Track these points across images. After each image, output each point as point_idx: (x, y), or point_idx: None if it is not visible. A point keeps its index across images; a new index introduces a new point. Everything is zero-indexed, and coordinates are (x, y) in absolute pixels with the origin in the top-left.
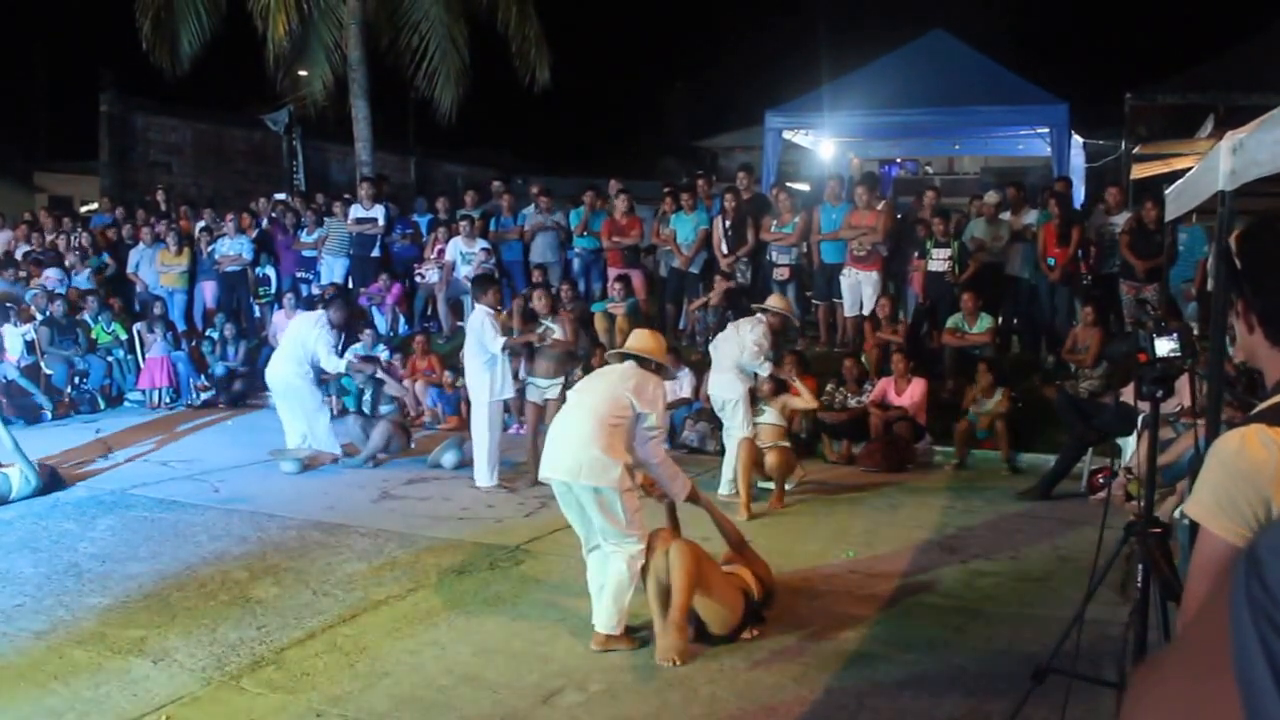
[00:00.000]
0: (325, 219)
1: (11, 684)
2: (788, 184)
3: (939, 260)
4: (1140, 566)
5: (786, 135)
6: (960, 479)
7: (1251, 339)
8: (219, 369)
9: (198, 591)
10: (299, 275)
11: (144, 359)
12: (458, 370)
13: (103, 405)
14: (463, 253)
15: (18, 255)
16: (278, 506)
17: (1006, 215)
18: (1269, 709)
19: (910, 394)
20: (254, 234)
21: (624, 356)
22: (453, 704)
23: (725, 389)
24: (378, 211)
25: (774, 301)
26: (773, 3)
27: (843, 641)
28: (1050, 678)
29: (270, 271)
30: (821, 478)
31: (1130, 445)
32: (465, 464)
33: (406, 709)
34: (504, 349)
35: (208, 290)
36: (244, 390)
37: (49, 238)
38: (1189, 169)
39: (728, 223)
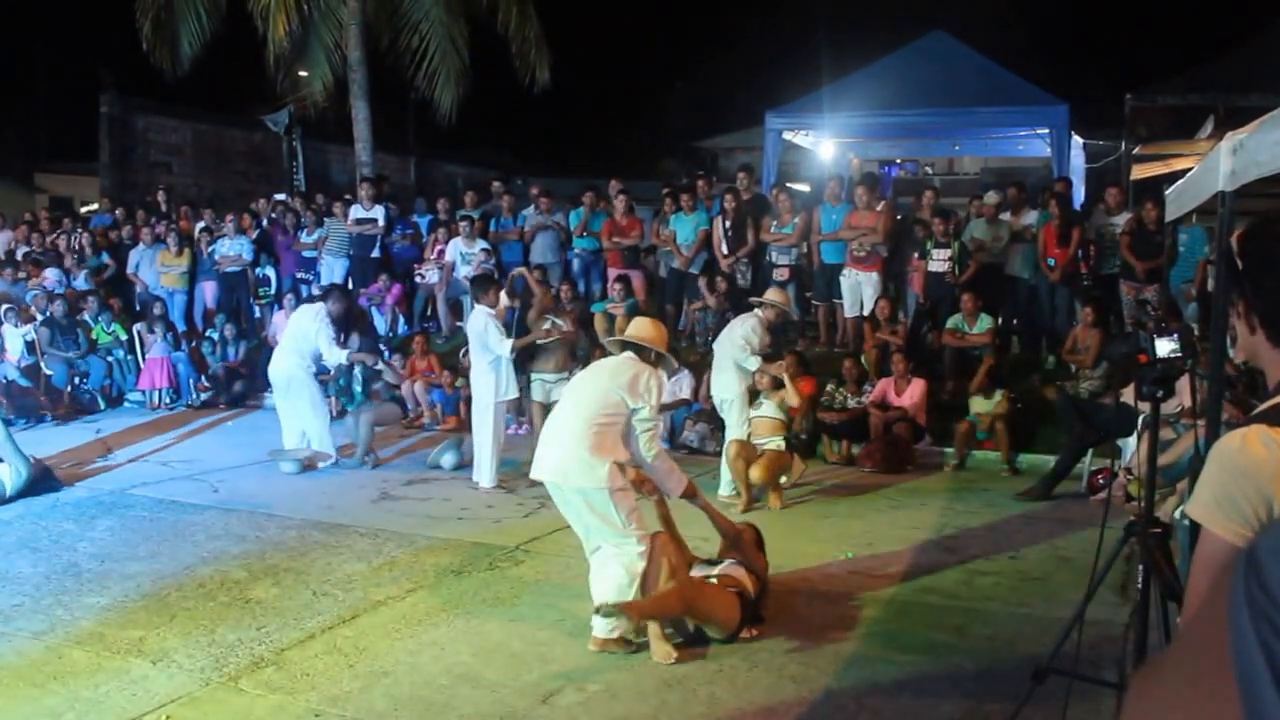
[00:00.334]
0: (325, 219)
1: (10, 684)
2: (788, 184)
3: (939, 261)
4: (1140, 567)
5: (787, 136)
6: (960, 480)
7: (1253, 339)
8: (219, 369)
9: (197, 592)
10: (299, 276)
11: (144, 359)
12: (457, 370)
13: (103, 405)
14: (462, 253)
15: (18, 256)
16: (277, 506)
17: (1006, 216)
18: (1269, 710)
19: (910, 394)
20: (254, 234)
21: (624, 345)
22: (452, 704)
23: (723, 388)
24: (378, 212)
25: (772, 295)
26: (773, 3)
27: (842, 642)
28: (1050, 678)
29: (270, 272)
30: (821, 478)
31: (1130, 446)
32: (465, 464)
33: (405, 709)
34: (512, 351)
35: (208, 290)
36: (244, 390)
37: (49, 238)
38: (1189, 169)
39: (728, 223)
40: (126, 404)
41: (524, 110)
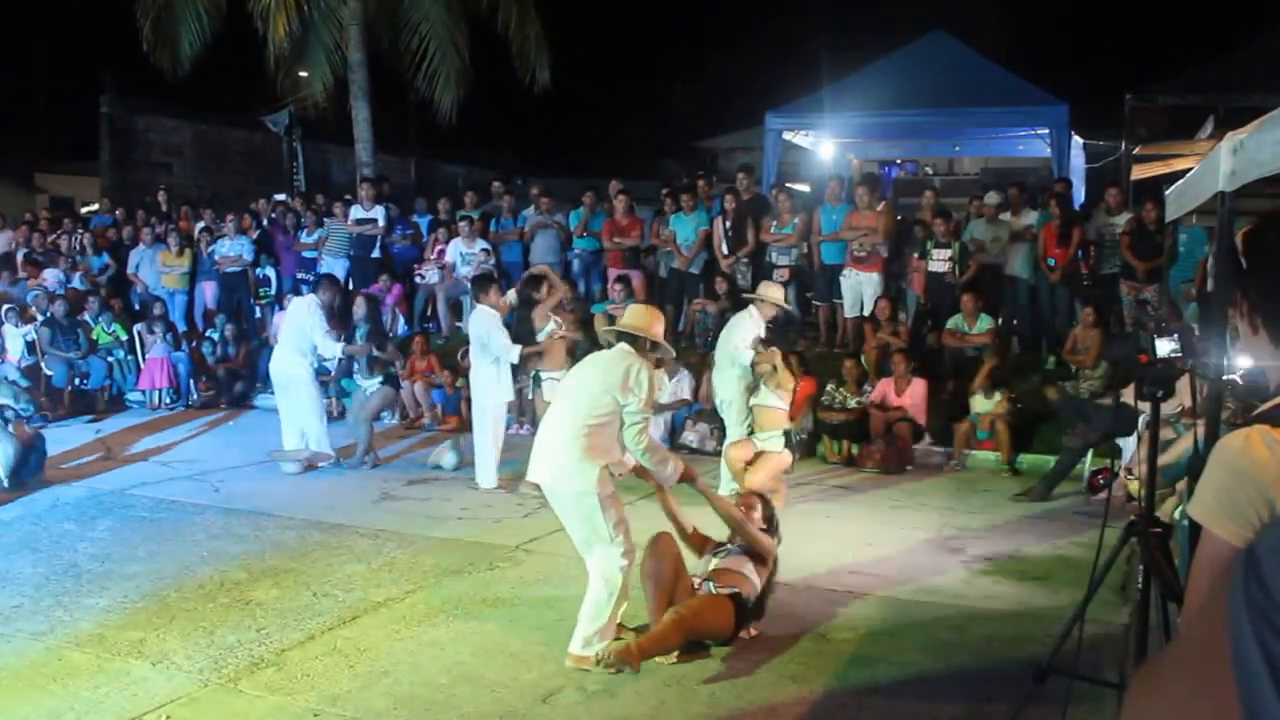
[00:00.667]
0: (325, 220)
1: (10, 685)
2: (788, 185)
3: (939, 261)
4: (1141, 567)
5: (787, 136)
6: (960, 480)
7: (1255, 340)
8: (220, 370)
9: (196, 593)
10: (299, 276)
11: (144, 360)
12: (456, 370)
13: (103, 406)
14: (462, 253)
15: (18, 256)
16: (277, 507)
17: (1007, 216)
18: (1267, 709)
19: (910, 394)
20: (254, 235)
21: (619, 336)
22: (451, 703)
23: (724, 388)
24: (378, 212)
25: (765, 290)
26: (773, 4)
27: (842, 642)
28: (1051, 678)
29: (271, 272)
30: (821, 478)
31: (1130, 446)
32: (465, 465)
33: (405, 708)
34: (519, 357)
35: (208, 291)
36: (244, 391)
37: (50, 238)
38: (1189, 170)
39: (728, 223)
40: (127, 404)
41: (524, 110)
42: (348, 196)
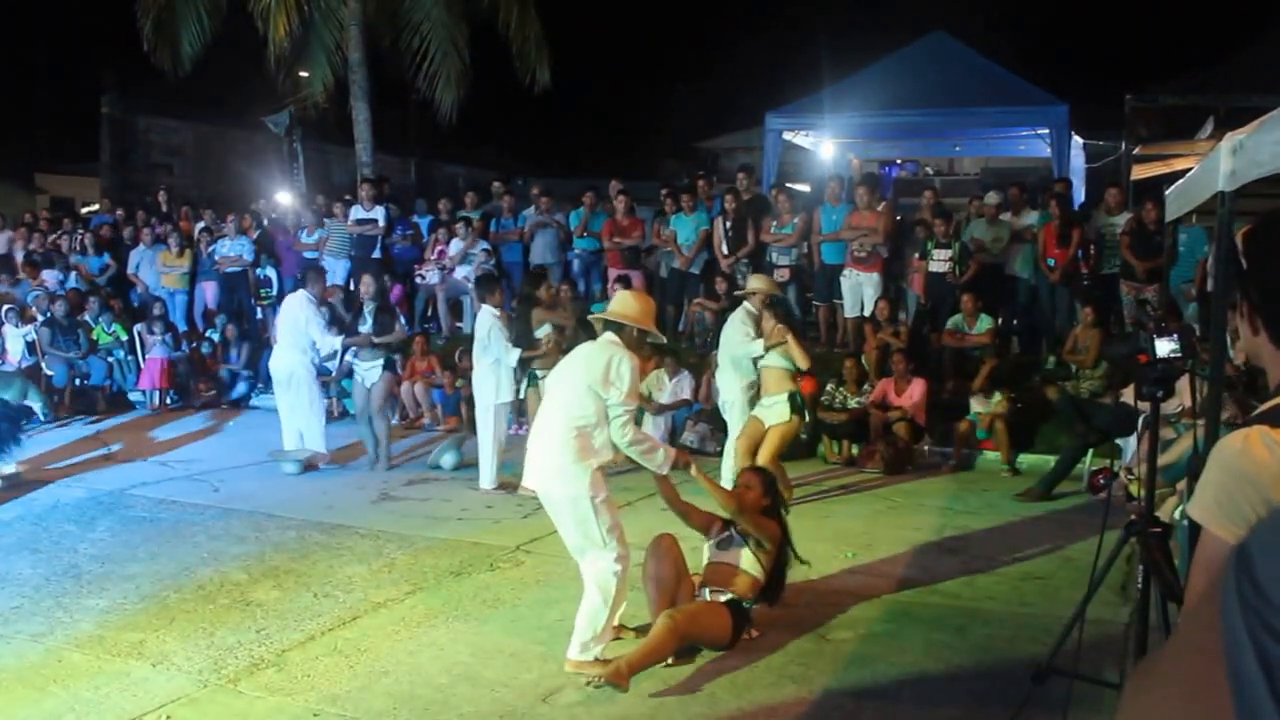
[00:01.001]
0: (326, 220)
1: (10, 687)
2: (788, 185)
3: (939, 261)
4: (1141, 567)
5: (787, 136)
6: (960, 480)
7: (1255, 340)
8: (220, 370)
9: (196, 594)
10: (300, 277)
11: (144, 360)
12: (457, 371)
13: (103, 406)
14: (463, 254)
15: (16, 257)
16: (277, 507)
17: (1007, 216)
18: (1260, 705)
19: (910, 395)
20: (255, 235)
21: (606, 325)
22: (451, 702)
23: (726, 389)
24: (378, 213)
25: (753, 283)
26: (774, 4)
27: (842, 642)
28: (1051, 679)
29: (271, 273)
30: (821, 479)
31: (1131, 446)
32: (465, 465)
33: (405, 707)
34: (517, 360)
35: (208, 291)
36: (245, 391)
37: (50, 238)
38: (1189, 170)
39: (728, 224)
40: (127, 404)
41: (525, 111)
42: (348, 197)
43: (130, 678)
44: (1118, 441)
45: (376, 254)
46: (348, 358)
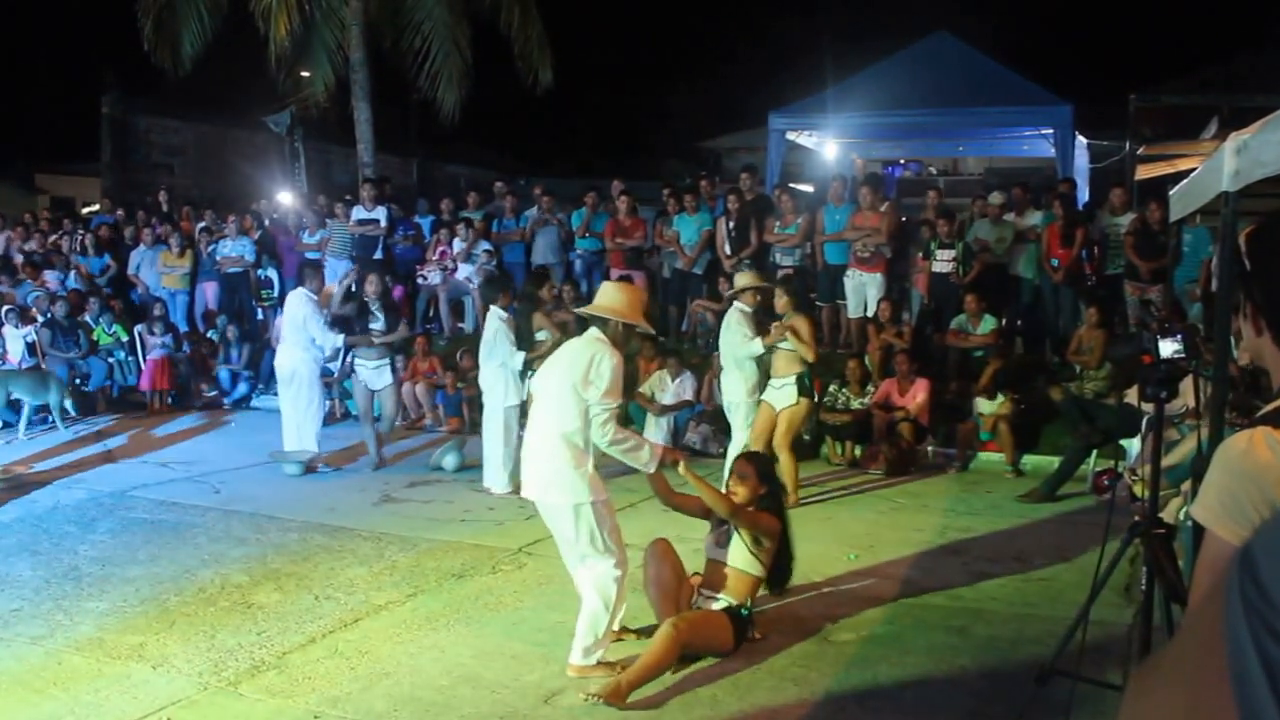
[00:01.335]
0: (327, 221)
1: (9, 690)
2: (791, 185)
3: (943, 261)
4: (1145, 568)
5: (790, 136)
6: (963, 481)
7: (1259, 341)
8: (221, 371)
9: (197, 596)
10: None
11: (145, 360)
12: (458, 371)
13: (103, 406)
14: (465, 253)
15: (13, 257)
16: (278, 509)
17: (1011, 216)
18: (1262, 709)
19: (914, 395)
20: (256, 235)
21: (592, 319)
22: (452, 704)
23: (729, 390)
24: (380, 213)
25: (741, 279)
26: (777, 4)
27: (844, 643)
28: (1054, 680)
29: (273, 274)
30: (824, 480)
31: (1135, 447)
32: (467, 466)
33: (406, 709)
34: (521, 364)
35: (209, 291)
36: (246, 392)
37: (50, 239)
38: (1193, 170)
39: (731, 224)
40: (127, 405)
41: (527, 111)
42: (349, 197)
43: (130, 680)
44: (1122, 443)
45: (378, 254)
46: (350, 357)
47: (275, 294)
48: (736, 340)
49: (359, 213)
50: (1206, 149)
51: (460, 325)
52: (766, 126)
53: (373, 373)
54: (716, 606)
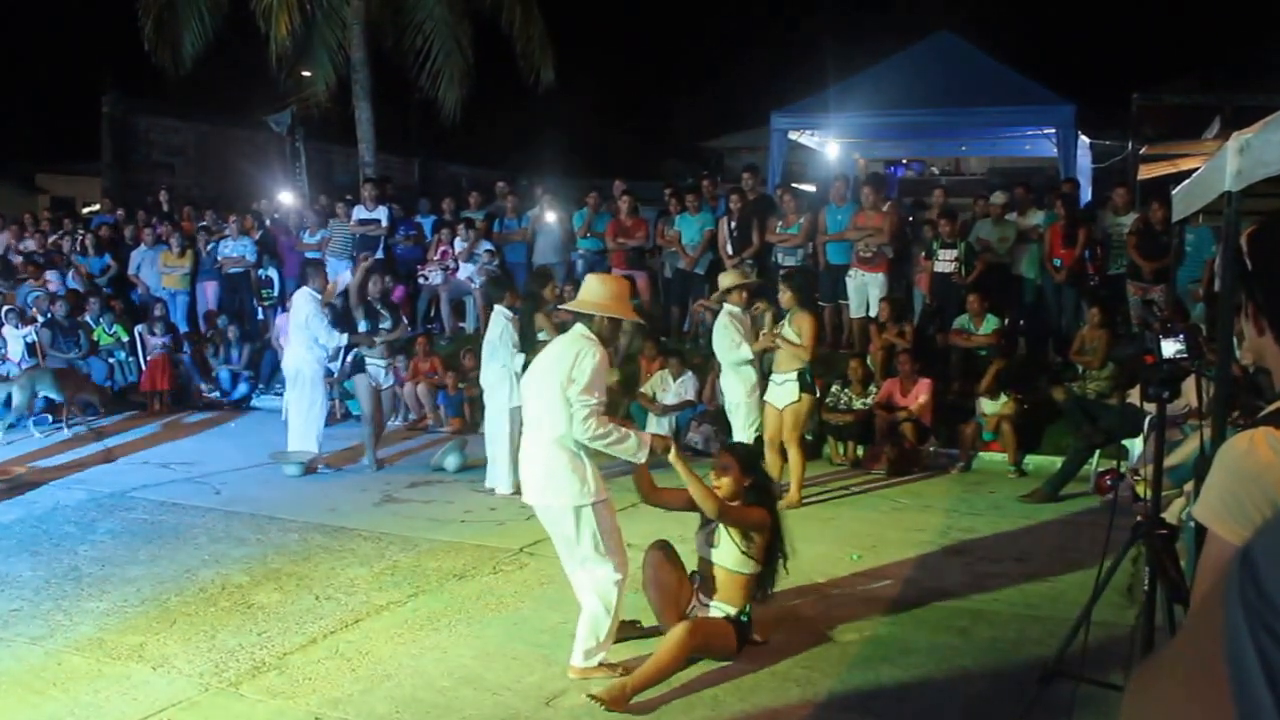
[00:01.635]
0: (329, 220)
1: (9, 690)
2: (793, 185)
3: (945, 261)
4: (1147, 569)
5: (792, 136)
6: (966, 481)
7: (1261, 341)
8: (221, 371)
9: (197, 596)
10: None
11: (145, 361)
12: (459, 372)
13: (103, 407)
14: (467, 253)
15: (11, 257)
16: (279, 509)
17: (1013, 216)
18: (1261, 712)
19: (916, 395)
20: (257, 235)
21: (576, 316)
22: (454, 706)
23: (728, 391)
24: (381, 213)
25: (725, 279)
26: (779, 3)
27: (847, 644)
28: (1056, 681)
29: (273, 273)
30: (827, 480)
31: (1137, 447)
32: (468, 467)
33: (407, 711)
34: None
35: (209, 291)
36: (246, 392)
37: (50, 239)
38: (1196, 169)
39: (733, 224)
40: (127, 406)
41: (528, 110)
42: (350, 197)
43: (130, 681)
44: (1124, 443)
45: (380, 254)
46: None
47: (275, 294)
48: (726, 345)
49: (360, 212)
50: (1209, 148)
51: (461, 325)
52: (768, 126)
53: (381, 371)
54: (714, 615)
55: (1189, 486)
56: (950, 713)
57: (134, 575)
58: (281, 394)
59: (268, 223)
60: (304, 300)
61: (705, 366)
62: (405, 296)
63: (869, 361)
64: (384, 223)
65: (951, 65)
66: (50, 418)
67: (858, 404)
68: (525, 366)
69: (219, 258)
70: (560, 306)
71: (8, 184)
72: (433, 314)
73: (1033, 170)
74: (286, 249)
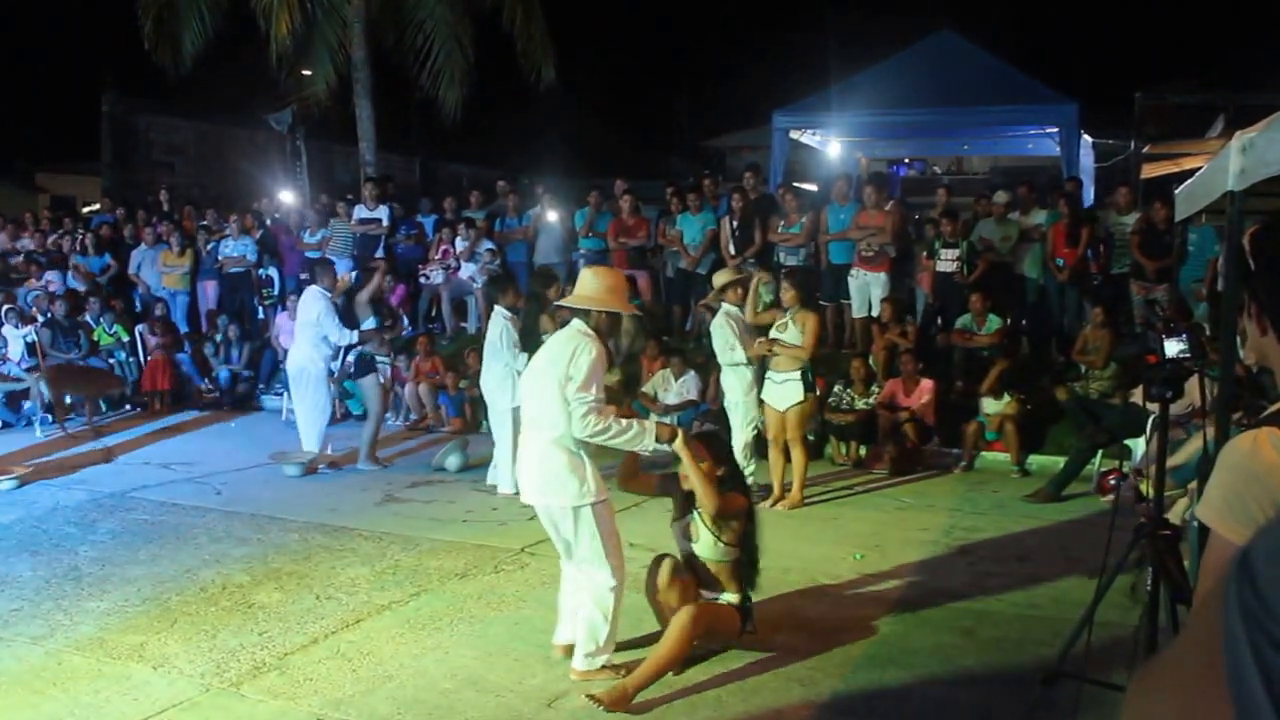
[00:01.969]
0: (329, 219)
1: (9, 690)
2: (795, 184)
3: (947, 260)
4: (1150, 569)
5: (794, 135)
6: (969, 481)
7: (1264, 341)
8: (222, 371)
9: (198, 596)
10: (303, 277)
11: (146, 361)
12: (460, 371)
13: (104, 407)
14: (468, 252)
15: (9, 257)
16: (280, 509)
17: (1015, 215)
18: (1259, 716)
19: (919, 395)
20: (257, 235)
21: (573, 313)
22: (456, 707)
23: (727, 390)
24: (382, 212)
25: (720, 278)
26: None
27: (850, 644)
28: (1060, 681)
29: (274, 273)
30: (829, 480)
31: (1140, 447)
32: (470, 467)
33: (409, 712)
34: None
35: (209, 290)
36: (247, 392)
37: (50, 238)
38: (1199, 169)
39: (735, 223)
40: (128, 406)
41: (529, 109)
42: (350, 196)
43: (131, 681)
44: (1127, 443)
45: (380, 254)
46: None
47: (275, 293)
48: (721, 348)
49: (361, 212)
50: (1212, 147)
51: (463, 325)
52: (770, 125)
53: (388, 369)
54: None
55: (1192, 486)
56: (954, 713)
57: (134, 575)
58: (281, 394)
59: (268, 222)
60: (314, 298)
61: (708, 366)
62: (406, 296)
63: (871, 361)
64: (385, 222)
65: (954, 64)
66: (50, 417)
67: (860, 404)
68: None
69: (219, 257)
70: (557, 303)
71: (8, 183)
72: (434, 314)
73: (1035, 169)
74: (287, 248)
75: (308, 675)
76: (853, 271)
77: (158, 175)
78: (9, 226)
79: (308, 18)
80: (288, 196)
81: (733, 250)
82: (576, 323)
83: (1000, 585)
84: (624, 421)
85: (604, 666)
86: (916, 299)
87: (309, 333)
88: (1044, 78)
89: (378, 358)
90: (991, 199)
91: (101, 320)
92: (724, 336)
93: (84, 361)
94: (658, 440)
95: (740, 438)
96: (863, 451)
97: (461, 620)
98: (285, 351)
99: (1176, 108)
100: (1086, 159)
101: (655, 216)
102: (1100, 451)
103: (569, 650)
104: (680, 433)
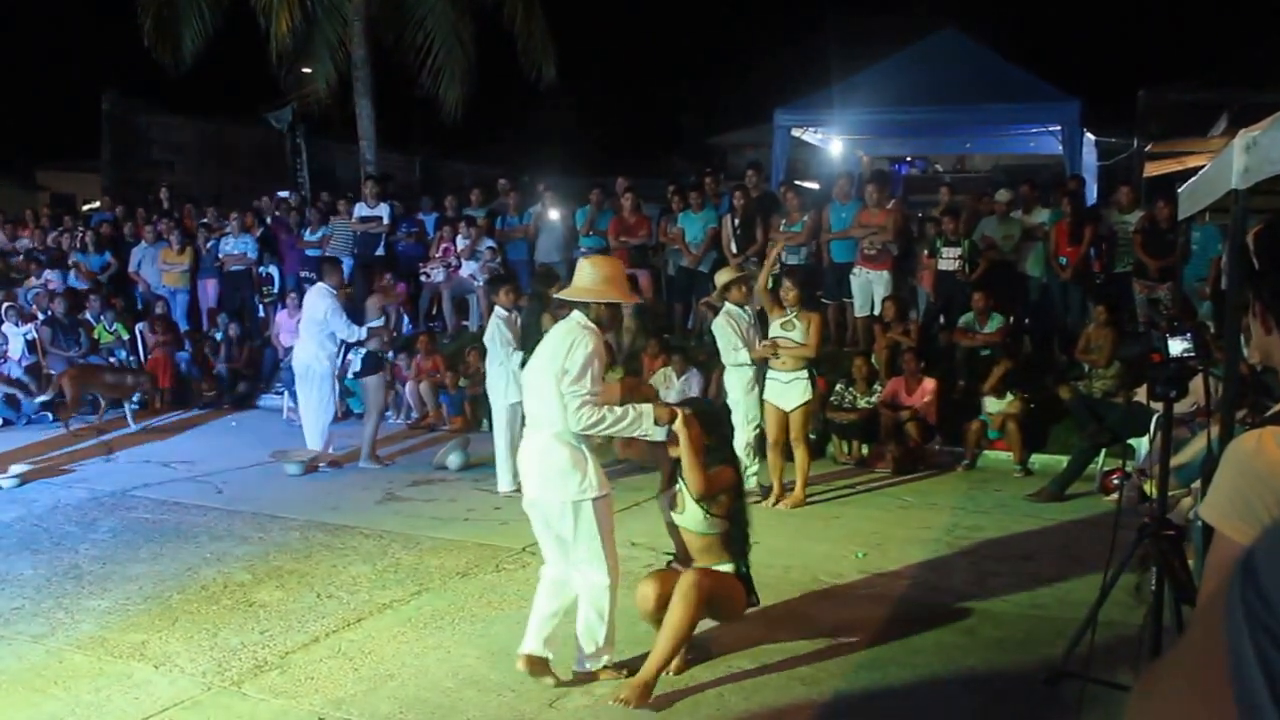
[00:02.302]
0: (329, 218)
1: (10, 689)
2: (797, 182)
3: (949, 259)
4: (1154, 568)
5: (796, 133)
6: (971, 480)
7: (1268, 339)
8: (222, 370)
9: (199, 594)
10: (303, 275)
11: (146, 359)
12: (460, 370)
13: (104, 405)
14: (469, 250)
15: (13, 259)
16: (281, 508)
17: (1018, 214)
18: (1263, 716)
19: (921, 394)
20: (258, 233)
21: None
22: (458, 707)
23: (729, 387)
24: (382, 210)
25: (721, 277)
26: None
27: (852, 643)
28: (1064, 681)
29: (274, 271)
30: (831, 479)
31: (1143, 446)
32: (471, 465)
33: (411, 712)
34: (522, 364)
35: (209, 288)
36: (247, 391)
37: (50, 236)
38: (1202, 167)
39: (736, 221)
40: (128, 404)
41: (530, 107)
42: (351, 194)
43: (132, 680)
44: (1130, 442)
45: (380, 252)
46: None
47: (275, 291)
48: (725, 349)
49: (361, 210)
50: (1215, 146)
51: (464, 323)
52: (772, 123)
53: (389, 366)
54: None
55: (1196, 486)
56: (957, 713)
57: (135, 573)
58: (281, 392)
59: (268, 220)
60: (321, 296)
61: (710, 364)
62: (407, 294)
63: (873, 360)
64: (385, 220)
65: (956, 62)
66: (50, 416)
67: (862, 402)
68: (524, 364)
69: (219, 255)
70: (556, 295)
71: (8, 181)
72: (434, 312)
73: (1038, 167)
74: (287, 246)
75: (309, 674)
76: (855, 270)
77: (158, 173)
78: (9, 225)
79: (308, 15)
80: (288, 194)
81: (734, 248)
82: (576, 315)
83: (1003, 585)
84: (619, 410)
85: (606, 667)
86: (919, 298)
87: (314, 330)
88: (1046, 76)
89: (387, 358)
90: (994, 197)
91: (101, 318)
92: (727, 337)
93: (85, 360)
94: (656, 422)
95: (742, 437)
96: (865, 450)
97: (463, 619)
98: (285, 350)
99: (1179, 106)
100: (1089, 157)
101: (657, 215)
102: (1103, 451)
103: (531, 662)
104: (680, 413)
